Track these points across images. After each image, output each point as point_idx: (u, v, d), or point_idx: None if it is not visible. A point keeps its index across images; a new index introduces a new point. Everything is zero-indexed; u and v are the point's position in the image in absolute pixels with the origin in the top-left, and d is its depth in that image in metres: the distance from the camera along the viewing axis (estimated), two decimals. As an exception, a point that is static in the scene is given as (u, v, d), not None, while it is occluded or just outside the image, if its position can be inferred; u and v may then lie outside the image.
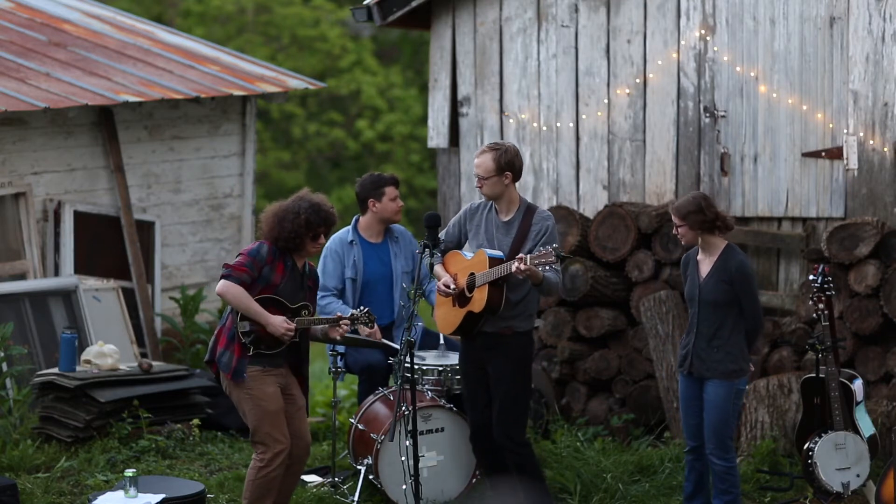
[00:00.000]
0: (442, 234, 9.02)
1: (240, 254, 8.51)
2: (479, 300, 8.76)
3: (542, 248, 8.50)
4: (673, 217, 8.88)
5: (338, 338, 8.78)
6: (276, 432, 8.47)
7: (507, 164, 8.79)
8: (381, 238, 10.18)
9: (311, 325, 8.59)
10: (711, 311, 8.80)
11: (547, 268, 8.47)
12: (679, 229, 8.85)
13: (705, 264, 8.88)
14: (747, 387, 10.36)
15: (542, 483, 9.02)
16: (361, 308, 8.87)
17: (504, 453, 8.95)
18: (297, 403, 8.63)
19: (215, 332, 8.59)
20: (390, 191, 10.07)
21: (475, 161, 8.86)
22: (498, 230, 8.89)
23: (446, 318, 9.03)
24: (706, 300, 8.81)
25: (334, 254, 10.05)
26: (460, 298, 8.90)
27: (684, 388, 8.97)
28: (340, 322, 8.67)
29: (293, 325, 8.46)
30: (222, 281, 8.39)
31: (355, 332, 9.89)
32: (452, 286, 8.85)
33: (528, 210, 8.88)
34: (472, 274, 8.81)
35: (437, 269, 8.97)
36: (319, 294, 10.00)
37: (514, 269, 8.48)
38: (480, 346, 8.90)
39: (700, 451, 8.95)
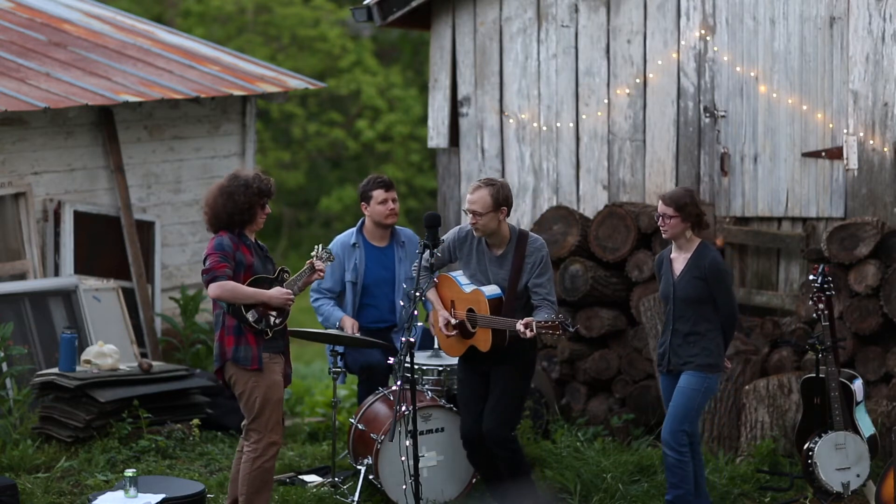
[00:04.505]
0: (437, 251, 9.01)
1: (207, 255, 8.50)
2: (483, 341, 8.86)
3: (549, 318, 8.54)
4: (664, 208, 8.79)
5: (321, 277, 8.82)
6: (273, 422, 8.54)
7: (504, 199, 8.82)
8: (386, 242, 10.16)
9: (296, 284, 8.63)
10: (686, 308, 8.79)
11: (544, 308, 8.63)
12: (669, 220, 8.78)
13: (679, 262, 8.86)
14: (751, 387, 10.37)
15: (529, 479, 9.06)
16: (316, 248, 8.82)
17: (492, 449, 8.96)
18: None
19: (216, 337, 8.60)
20: (378, 194, 10.03)
21: (469, 197, 8.82)
22: (491, 263, 8.91)
23: (451, 346, 9.11)
24: (681, 297, 8.80)
25: (336, 257, 10.04)
26: (462, 330, 8.95)
27: (665, 388, 8.97)
28: (314, 265, 8.70)
29: (291, 292, 8.55)
30: (211, 285, 8.43)
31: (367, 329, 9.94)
32: (454, 322, 8.92)
33: (521, 240, 8.88)
34: (472, 311, 8.86)
35: (432, 296, 9.00)
36: (313, 296, 10.07)
37: (519, 330, 8.53)
38: (485, 358, 8.94)
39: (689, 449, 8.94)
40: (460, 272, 9.08)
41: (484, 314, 8.80)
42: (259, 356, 8.49)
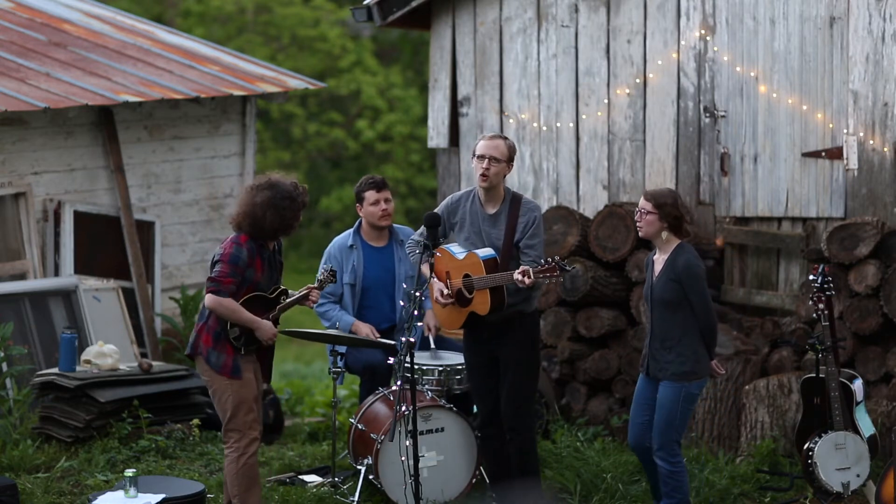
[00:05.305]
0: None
1: (219, 261, 8.47)
2: (482, 303, 8.81)
3: (545, 261, 8.54)
4: (643, 203, 8.70)
5: (312, 306, 8.88)
6: (250, 419, 8.55)
7: (514, 155, 8.98)
8: (384, 242, 10.11)
9: (289, 307, 8.66)
10: (662, 311, 8.69)
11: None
12: (646, 216, 8.68)
13: (658, 264, 8.77)
14: (751, 387, 10.37)
15: (536, 475, 9.09)
16: (324, 268, 8.89)
17: (509, 436, 8.98)
18: (258, 391, 8.75)
19: (196, 327, 8.63)
20: (370, 195, 9.97)
21: (488, 143, 8.86)
22: (485, 222, 8.92)
23: (449, 317, 9.06)
24: (657, 299, 8.71)
25: (333, 259, 10.01)
26: (460, 299, 8.92)
27: (639, 387, 8.88)
28: (311, 293, 8.72)
29: (276, 331, 8.57)
30: (211, 296, 8.43)
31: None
32: (447, 292, 8.90)
33: (514, 200, 8.94)
34: (468, 276, 8.84)
35: (426, 269, 8.95)
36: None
37: (517, 280, 8.52)
38: (489, 337, 8.94)
39: (641, 451, 8.88)
40: (454, 243, 9.08)
41: (480, 275, 8.80)
42: (234, 366, 8.50)
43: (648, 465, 8.94)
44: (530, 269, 8.50)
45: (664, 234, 8.71)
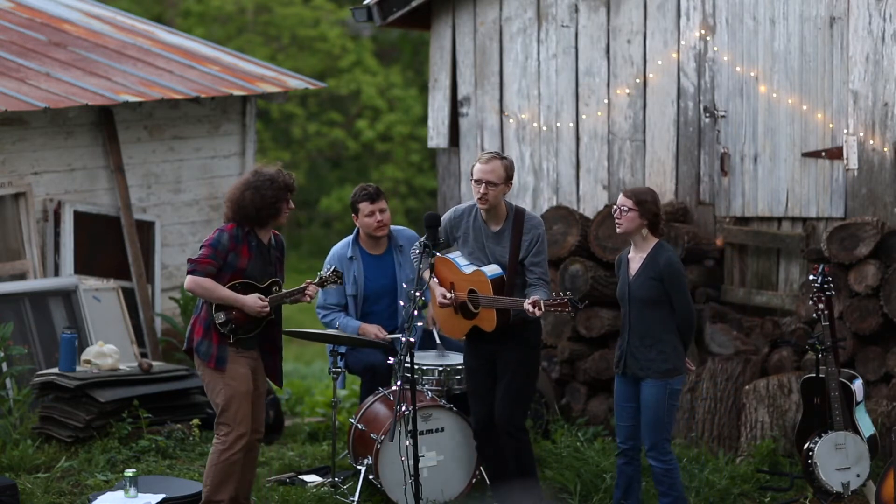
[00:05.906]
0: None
1: (202, 245, 8.59)
2: (488, 320, 8.85)
3: (557, 297, 8.54)
4: (623, 200, 8.68)
5: (308, 301, 8.89)
6: (241, 414, 8.56)
7: (512, 174, 8.93)
8: (383, 249, 10.06)
9: (282, 299, 8.68)
10: (642, 309, 8.68)
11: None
12: (626, 213, 8.66)
13: (635, 262, 8.76)
14: (751, 387, 10.37)
15: (534, 475, 9.09)
16: (328, 268, 8.93)
17: (503, 439, 8.97)
18: (258, 390, 8.74)
19: (191, 320, 8.69)
20: (364, 207, 9.90)
21: (484, 167, 8.81)
22: (488, 239, 8.92)
23: (452, 326, 9.10)
24: (636, 298, 8.69)
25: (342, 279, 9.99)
26: (464, 311, 8.94)
27: (619, 390, 8.86)
28: (308, 287, 8.76)
29: (267, 303, 8.57)
30: (189, 277, 8.52)
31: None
32: (449, 295, 8.90)
33: (517, 217, 8.91)
34: (474, 291, 8.85)
35: (426, 275, 8.93)
36: (321, 313, 10.01)
37: (527, 310, 8.54)
38: (491, 339, 8.95)
39: (631, 455, 8.87)
40: (457, 253, 9.08)
41: (487, 294, 8.80)
42: (218, 356, 8.54)
43: (628, 469, 8.91)
44: (542, 302, 8.52)
45: (644, 232, 8.72)
